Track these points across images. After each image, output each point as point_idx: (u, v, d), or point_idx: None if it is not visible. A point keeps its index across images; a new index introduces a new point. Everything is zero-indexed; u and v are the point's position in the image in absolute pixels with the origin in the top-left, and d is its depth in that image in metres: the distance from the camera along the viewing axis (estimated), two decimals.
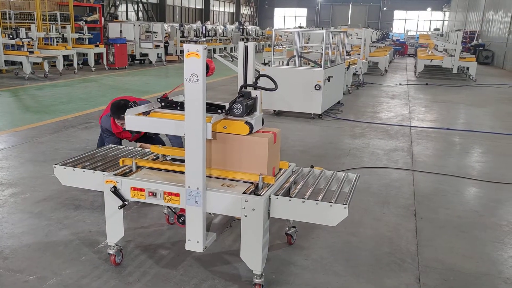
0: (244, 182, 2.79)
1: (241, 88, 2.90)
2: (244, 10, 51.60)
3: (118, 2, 30.25)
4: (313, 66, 9.04)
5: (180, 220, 2.90)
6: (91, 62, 15.09)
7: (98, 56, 16.04)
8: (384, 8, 51.01)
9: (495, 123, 8.49)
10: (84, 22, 16.47)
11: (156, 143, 4.25)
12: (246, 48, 2.97)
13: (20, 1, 16.02)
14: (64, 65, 13.66)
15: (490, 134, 7.49)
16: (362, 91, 12.14)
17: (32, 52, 12.66)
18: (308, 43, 12.72)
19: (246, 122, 2.70)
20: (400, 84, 14.04)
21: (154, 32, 18.59)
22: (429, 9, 49.60)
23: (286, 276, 2.99)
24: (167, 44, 19.94)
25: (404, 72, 18.32)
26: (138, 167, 3.02)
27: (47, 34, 14.45)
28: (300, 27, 26.51)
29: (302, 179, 3.07)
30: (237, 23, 37.67)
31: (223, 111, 2.81)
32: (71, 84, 11.95)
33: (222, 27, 30.78)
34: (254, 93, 2.90)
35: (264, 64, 10.84)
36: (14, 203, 4.07)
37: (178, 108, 2.87)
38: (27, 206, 3.99)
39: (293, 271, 3.06)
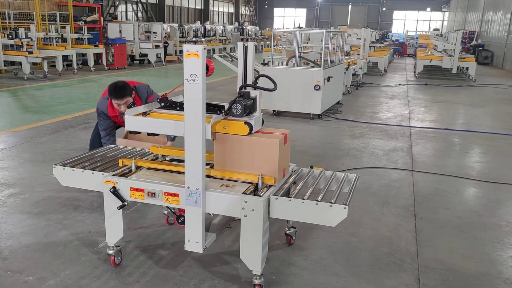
0: (243, 182, 2.79)
1: (240, 88, 2.90)
2: (243, 10, 51.61)
3: (117, 2, 30.24)
4: (312, 66, 9.04)
5: (180, 221, 2.90)
6: (91, 62, 15.09)
7: (98, 56, 16.04)
8: (384, 8, 51.03)
9: (494, 123, 8.49)
10: (83, 22, 16.46)
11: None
12: (245, 48, 2.97)
13: (19, 1, 16.01)
14: (63, 65, 13.64)
15: (489, 134, 7.49)
16: (362, 91, 12.14)
17: (31, 52, 12.65)
18: (307, 43, 12.73)
19: (246, 123, 2.70)
20: (399, 84, 14.05)
21: (154, 32, 18.58)
22: (428, 9, 49.64)
23: (285, 277, 2.99)
24: (167, 44, 19.94)
25: (404, 72, 18.33)
26: (138, 168, 3.02)
27: (47, 34, 14.44)
28: (300, 27, 26.54)
29: (302, 180, 3.06)
30: (236, 23, 37.67)
31: (223, 111, 2.80)
32: (71, 84, 11.95)
33: (221, 27, 30.79)
34: (253, 93, 2.90)
35: (264, 64, 10.83)
36: (13, 203, 4.06)
37: (178, 108, 2.87)
38: (26, 207, 3.99)
39: (293, 271, 3.06)
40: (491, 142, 6.96)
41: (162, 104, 2.94)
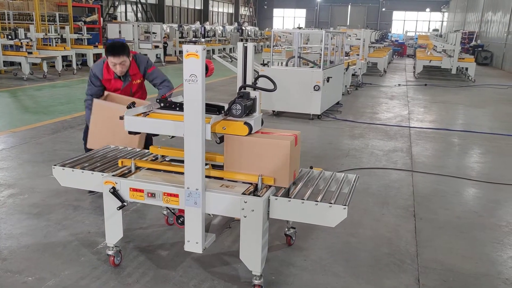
0: (243, 182, 2.78)
1: (240, 88, 2.90)
2: (243, 10, 51.62)
3: (117, 3, 30.24)
4: (312, 67, 9.04)
5: (179, 221, 2.89)
6: (90, 62, 15.09)
7: (97, 57, 16.01)
8: (383, 9, 51.05)
9: (494, 123, 8.49)
10: (83, 23, 16.47)
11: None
12: (245, 48, 2.97)
13: (19, 2, 16.01)
14: (63, 66, 13.64)
15: (489, 134, 7.49)
16: (361, 92, 12.14)
17: (31, 53, 12.64)
18: (307, 43, 12.74)
19: (245, 123, 2.70)
20: (399, 84, 14.06)
21: (153, 33, 18.59)
22: (428, 9, 49.67)
23: (285, 277, 2.99)
24: (166, 45, 19.93)
25: (403, 72, 18.34)
26: (137, 168, 3.02)
27: (46, 34, 14.44)
28: (299, 28, 26.54)
29: (301, 180, 3.06)
30: (236, 24, 37.66)
31: (222, 111, 2.80)
32: (70, 84, 11.94)
33: (221, 27, 30.78)
34: (253, 93, 2.89)
35: (263, 64, 10.85)
36: (13, 204, 4.06)
37: (177, 108, 2.86)
38: (26, 207, 3.98)
39: (293, 272, 3.06)
40: (491, 142, 6.96)
41: (162, 104, 2.94)
